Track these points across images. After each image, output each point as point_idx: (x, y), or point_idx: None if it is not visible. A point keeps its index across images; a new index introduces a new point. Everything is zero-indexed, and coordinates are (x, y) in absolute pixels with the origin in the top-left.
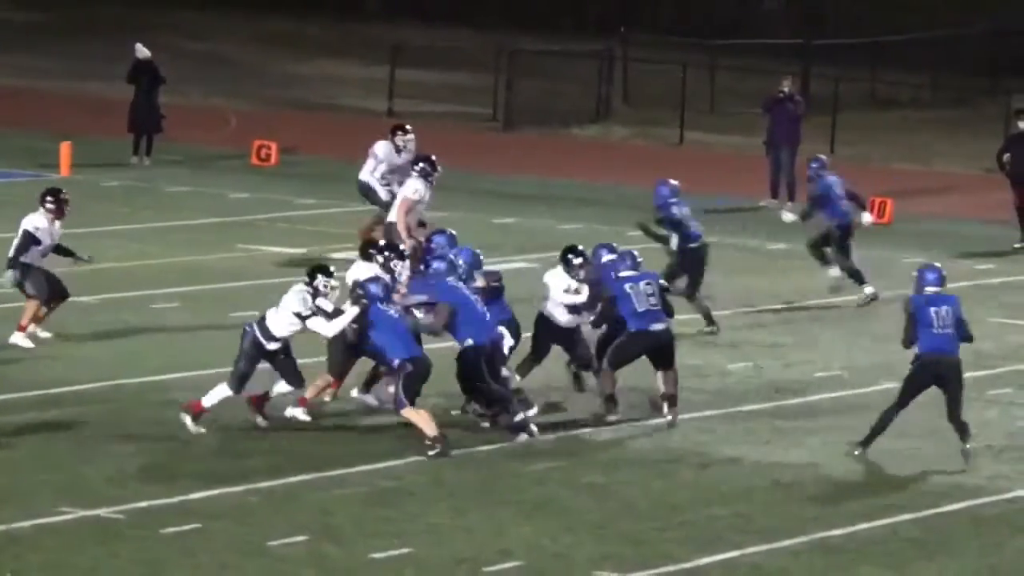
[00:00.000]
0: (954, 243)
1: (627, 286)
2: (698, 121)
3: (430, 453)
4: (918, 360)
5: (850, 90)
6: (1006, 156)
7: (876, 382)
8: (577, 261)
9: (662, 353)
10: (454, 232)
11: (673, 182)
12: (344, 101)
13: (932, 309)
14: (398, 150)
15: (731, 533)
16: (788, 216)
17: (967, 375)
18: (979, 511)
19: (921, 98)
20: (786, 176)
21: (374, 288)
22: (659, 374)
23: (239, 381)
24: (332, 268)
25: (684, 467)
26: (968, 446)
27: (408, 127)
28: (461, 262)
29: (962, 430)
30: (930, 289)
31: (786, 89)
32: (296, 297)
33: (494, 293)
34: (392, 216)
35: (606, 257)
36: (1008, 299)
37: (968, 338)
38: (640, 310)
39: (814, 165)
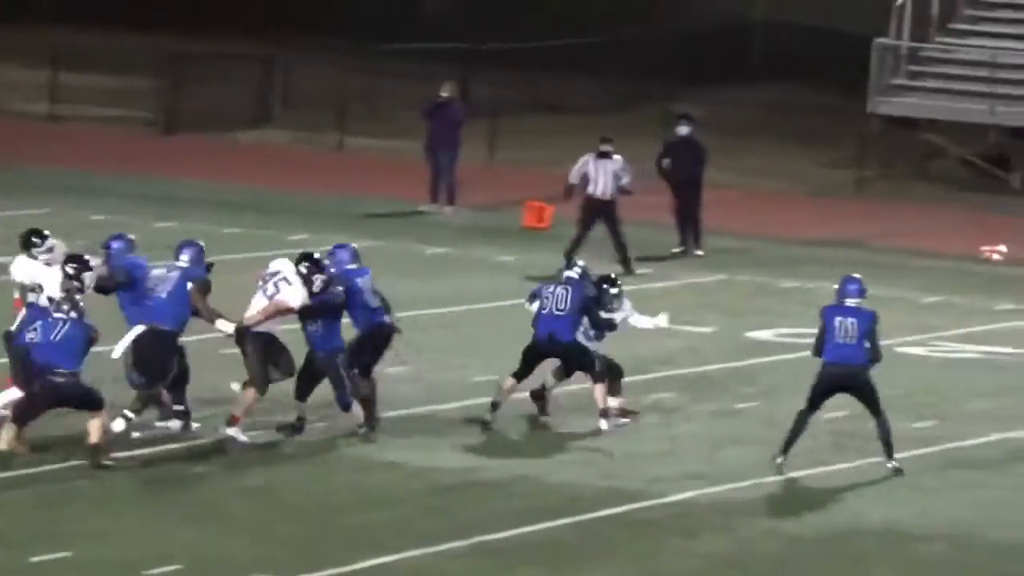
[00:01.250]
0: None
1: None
2: (358, 126)
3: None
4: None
5: (512, 95)
6: (666, 161)
7: (535, 385)
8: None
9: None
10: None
11: None
12: (5, 105)
13: (838, 320)
14: None
15: (390, 537)
16: None
17: (625, 380)
18: (637, 515)
19: (583, 103)
20: (445, 180)
21: None
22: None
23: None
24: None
25: (343, 471)
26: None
27: None
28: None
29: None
30: (849, 301)
31: (445, 94)
32: None
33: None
34: None
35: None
36: (666, 303)
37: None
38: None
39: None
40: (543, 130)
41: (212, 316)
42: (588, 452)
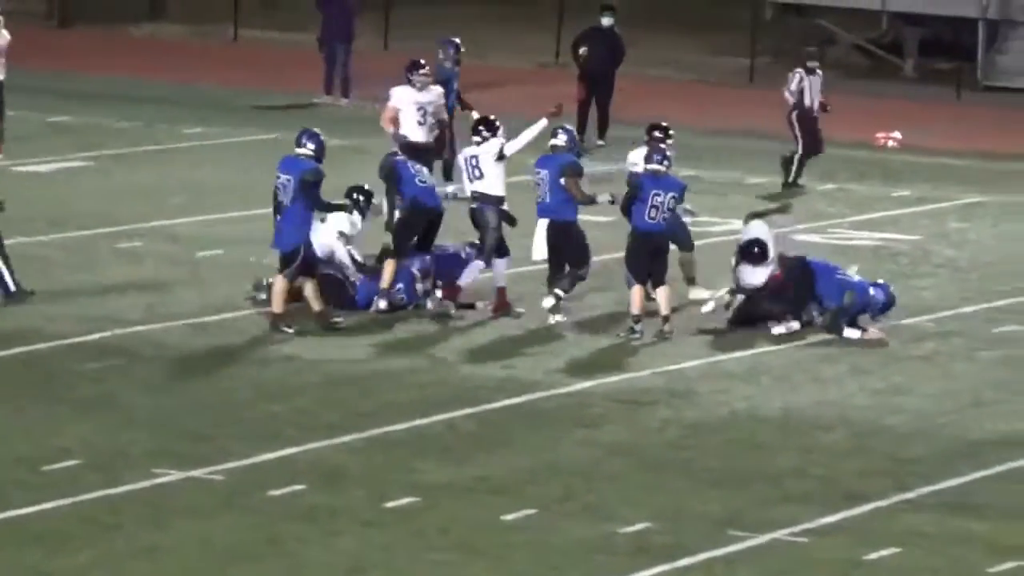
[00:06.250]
0: (510, 137)
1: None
2: (252, 19)
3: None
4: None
5: None
6: (583, 49)
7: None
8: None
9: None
10: None
11: None
12: None
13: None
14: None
15: (290, 429)
16: None
17: (520, 271)
18: (536, 406)
19: None
20: (340, 72)
21: None
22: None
23: None
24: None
25: (242, 364)
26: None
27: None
28: None
29: None
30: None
31: None
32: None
33: None
34: None
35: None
36: None
37: None
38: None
39: None
40: (437, 19)
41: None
42: (485, 343)
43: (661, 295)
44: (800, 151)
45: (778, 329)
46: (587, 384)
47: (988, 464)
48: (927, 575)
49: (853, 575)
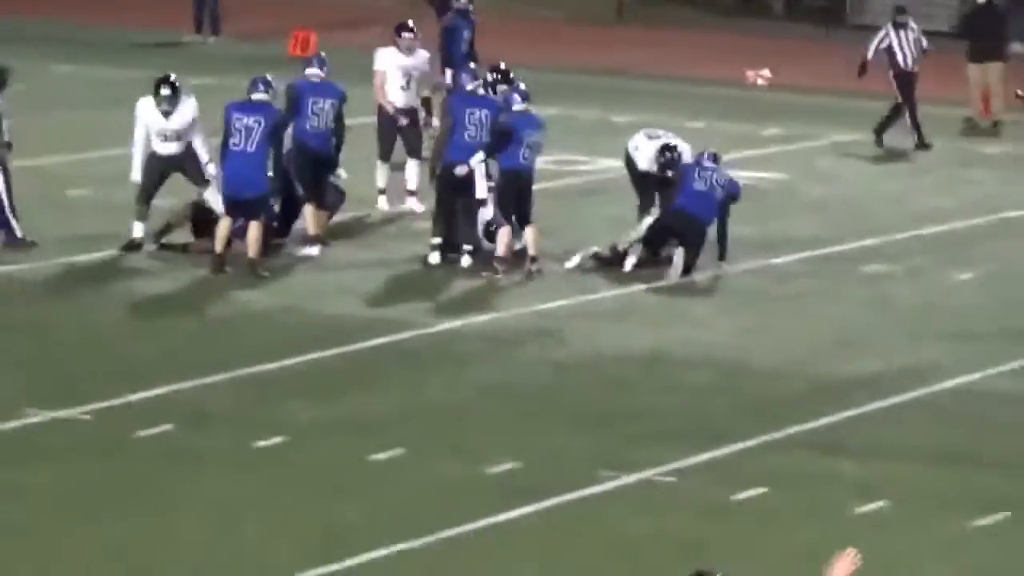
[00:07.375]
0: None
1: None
2: None
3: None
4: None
5: None
6: None
7: None
8: None
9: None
10: None
11: None
12: None
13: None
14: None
15: (158, 369)
16: None
17: (388, 211)
18: (404, 345)
19: None
20: (209, 9)
21: None
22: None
23: None
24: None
25: (111, 305)
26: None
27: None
28: None
29: None
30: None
31: None
32: None
33: None
34: None
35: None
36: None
37: None
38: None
39: None
40: None
41: None
42: (354, 283)
43: (529, 234)
44: (907, 110)
45: (630, 261)
46: (455, 324)
47: (856, 404)
48: (794, 515)
49: (721, 514)
